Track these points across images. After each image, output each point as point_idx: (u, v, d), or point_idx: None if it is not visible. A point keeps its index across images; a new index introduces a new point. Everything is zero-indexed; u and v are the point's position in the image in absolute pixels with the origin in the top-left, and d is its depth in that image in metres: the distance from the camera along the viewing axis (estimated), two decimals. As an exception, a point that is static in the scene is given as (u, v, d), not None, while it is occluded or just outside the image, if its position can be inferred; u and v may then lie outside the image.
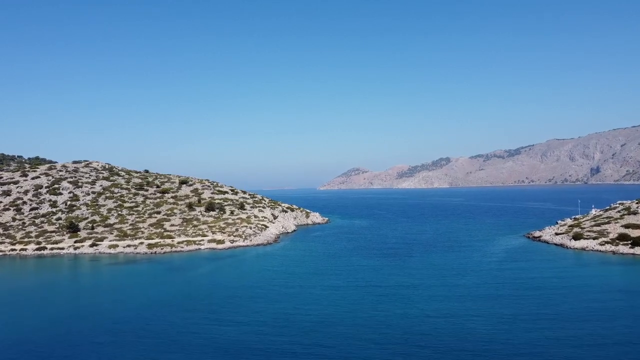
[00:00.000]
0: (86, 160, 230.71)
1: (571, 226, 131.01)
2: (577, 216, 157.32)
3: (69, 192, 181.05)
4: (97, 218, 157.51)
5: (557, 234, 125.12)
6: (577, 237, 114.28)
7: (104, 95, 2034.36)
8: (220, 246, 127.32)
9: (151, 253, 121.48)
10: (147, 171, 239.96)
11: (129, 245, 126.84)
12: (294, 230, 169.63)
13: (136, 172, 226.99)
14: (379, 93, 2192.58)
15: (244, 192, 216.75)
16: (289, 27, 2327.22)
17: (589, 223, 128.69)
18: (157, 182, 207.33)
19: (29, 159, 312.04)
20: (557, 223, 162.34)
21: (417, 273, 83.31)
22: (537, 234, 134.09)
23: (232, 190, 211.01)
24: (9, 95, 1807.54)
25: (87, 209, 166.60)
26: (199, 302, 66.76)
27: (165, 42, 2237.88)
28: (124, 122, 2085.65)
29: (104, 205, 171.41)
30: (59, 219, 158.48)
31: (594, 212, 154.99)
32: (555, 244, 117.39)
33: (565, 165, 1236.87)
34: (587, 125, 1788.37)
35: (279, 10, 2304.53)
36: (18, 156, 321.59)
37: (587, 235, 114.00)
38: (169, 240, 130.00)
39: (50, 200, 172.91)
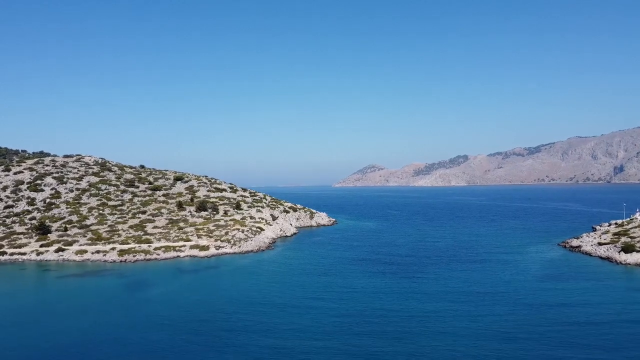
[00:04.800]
0: (78, 155, 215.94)
1: (616, 234, 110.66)
2: (618, 221, 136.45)
3: (51, 189, 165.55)
4: (74, 218, 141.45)
5: (600, 243, 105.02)
6: (627, 249, 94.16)
7: (111, 93, 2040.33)
8: (203, 253, 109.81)
9: (121, 261, 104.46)
10: (142, 166, 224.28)
11: (98, 251, 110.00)
12: (294, 234, 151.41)
13: (130, 168, 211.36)
14: (396, 90, 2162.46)
15: (244, 190, 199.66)
16: (307, 25, 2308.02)
17: (639, 231, 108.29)
18: (150, 178, 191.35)
19: (33, 153, 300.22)
20: (594, 229, 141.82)
21: (430, 303, 62.73)
22: (574, 243, 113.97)
23: (230, 188, 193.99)
24: (24, 92, 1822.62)
25: (67, 208, 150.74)
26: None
27: (176, 41, 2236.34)
28: (145, 119, 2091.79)
29: (86, 204, 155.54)
30: (33, 218, 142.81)
31: (638, 216, 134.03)
32: (601, 257, 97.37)
33: (588, 164, 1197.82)
34: (610, 122, 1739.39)
35: (297, 9, 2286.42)
36: (22, 150, 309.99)
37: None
38: (145, 246, 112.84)
39: (28, 198, 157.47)
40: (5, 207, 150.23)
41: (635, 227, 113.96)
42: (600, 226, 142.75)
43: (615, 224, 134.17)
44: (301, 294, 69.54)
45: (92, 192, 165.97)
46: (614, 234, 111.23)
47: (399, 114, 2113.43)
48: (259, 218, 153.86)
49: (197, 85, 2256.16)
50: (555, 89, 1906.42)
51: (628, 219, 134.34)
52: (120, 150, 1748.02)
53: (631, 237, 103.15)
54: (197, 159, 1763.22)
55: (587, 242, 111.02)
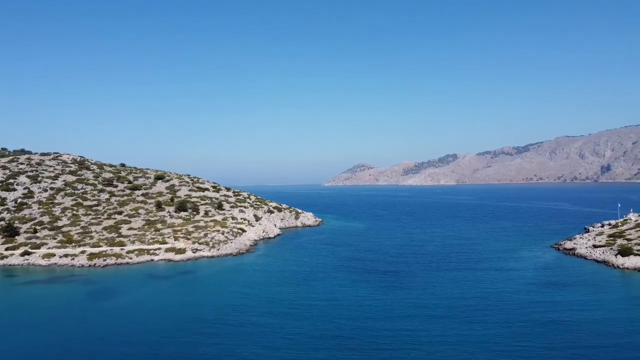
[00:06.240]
0: (56, 153, 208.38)
1: (612, 236, 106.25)
2: (612, 222, 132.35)
3: (24, 188, 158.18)
4: (45, 219, 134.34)
5: (595, 246, 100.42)
6: (625, 252, 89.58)
7: (105, 92, 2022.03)
8: (178, 257, 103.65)
9: (90, 266, 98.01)
10: (123, 165, 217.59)
11: (66, 255, 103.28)
12: (278, 235, 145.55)
13: (110, 166, 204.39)
14: (385, 89, 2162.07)
15: (228, 190, 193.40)
16: (296, 24, 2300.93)
17: (635, 232, 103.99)
18: (130, 177, 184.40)
19: (14, 151, 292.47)
20: (587, 230, 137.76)
21: (416, 320, 55.88)
22: (568, 245, 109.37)
23: (213, 187, 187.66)
24: (21, 91, 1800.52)
25: (39, 208, 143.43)
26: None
27: (167, 40, 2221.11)
28: (129, 119, 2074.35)
29: (60, 204, 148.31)
30: (2, 219, 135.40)
31: (632, 217, 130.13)
32: (596, 260, 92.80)
33: (575, 163, 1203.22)
34: (597, 122, 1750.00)
35: (286, 7, 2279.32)
36: (2, 149, 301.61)
37: (639, 250, 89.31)
38: (117, 249, 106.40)
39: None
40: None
41: (631, 229, 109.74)
42: (593, 227, 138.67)
43: (609, 224, 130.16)
44: (274, 308, 62.57)
45: (67, 191, 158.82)
46: (609, 236, 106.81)
47: (389, 113, 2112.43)
48: (241, 219, 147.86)
49: (189, 84, 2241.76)
50: (543, 89, 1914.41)
51: (622, 219, 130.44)
52: (113, 150, 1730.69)
53: (627, 240, 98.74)
54: (187, 158, 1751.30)
55: (581, 244, 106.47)
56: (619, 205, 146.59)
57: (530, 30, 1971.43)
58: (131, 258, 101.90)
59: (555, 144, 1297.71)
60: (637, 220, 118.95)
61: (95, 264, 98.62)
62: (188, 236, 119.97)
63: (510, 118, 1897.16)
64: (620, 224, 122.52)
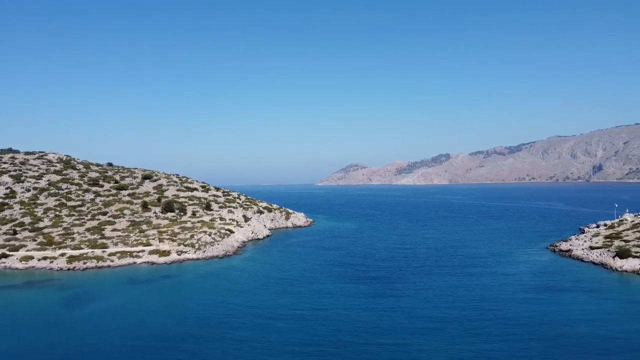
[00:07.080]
0: (41, 152, 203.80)
1: (608, 237, 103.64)
2: (607, 222, 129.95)
3: (6, 188, 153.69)
4: (27, 220, 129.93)
5: (592, 247, 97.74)
6: (623, 254, 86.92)
7: (106, 91, 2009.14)
8: (162, 259, 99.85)
9: (69, 269, 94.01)
10: (110, 164, 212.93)
11: (45, 258, 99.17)
12: (267, 236, 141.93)
13: (97, 165, 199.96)
14: (378, 89, 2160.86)
15: (217, 189, 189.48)
16: (289, 23, 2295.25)
17: (632, 234, 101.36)
18: (116, 177, 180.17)
19: (1, 150, 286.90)
20: (582, 231, 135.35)
21: (406, 335, 51.54)
22: (564, 246, 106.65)
23: (202, 187, 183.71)
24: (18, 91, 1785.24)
25: (20, 209, 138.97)
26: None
27: (166, 40, 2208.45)
28: (128, 119, 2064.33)
29: (42, 204, 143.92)
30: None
31: (628, 217, 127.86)
32: (594, 263, 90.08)
33: (567, 163, 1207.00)
34: (589, 122, 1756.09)
35: (279, 7, 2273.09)
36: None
37: (637, 252, 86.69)
38: (98, 252, 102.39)
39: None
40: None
41: (627, 230, 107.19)
42: (589, 227, 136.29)
43: (605, 225, 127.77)
44: (255, 319, 57.96)
45: (50, 191, 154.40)
46: (606, 237, 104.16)
47: (387, 113, 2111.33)
48: (229, 219, 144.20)
49: (189, 84, 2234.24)
50: (540, 89, 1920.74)
51: (617, 219, 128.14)
52: (113, 150, 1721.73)
53: (625, 241, 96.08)
54: (187, 158, 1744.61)
55: (577, 245, 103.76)
56: (616, 205, 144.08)
57: (530, 30, 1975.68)
58: (112, 261, 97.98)
59: (547, 143, 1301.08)
60: (633, 221, 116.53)
61: (74, 267, 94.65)
62: (173, 237, 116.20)
63: (505, 118, 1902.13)
64: (616, 224, 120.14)
